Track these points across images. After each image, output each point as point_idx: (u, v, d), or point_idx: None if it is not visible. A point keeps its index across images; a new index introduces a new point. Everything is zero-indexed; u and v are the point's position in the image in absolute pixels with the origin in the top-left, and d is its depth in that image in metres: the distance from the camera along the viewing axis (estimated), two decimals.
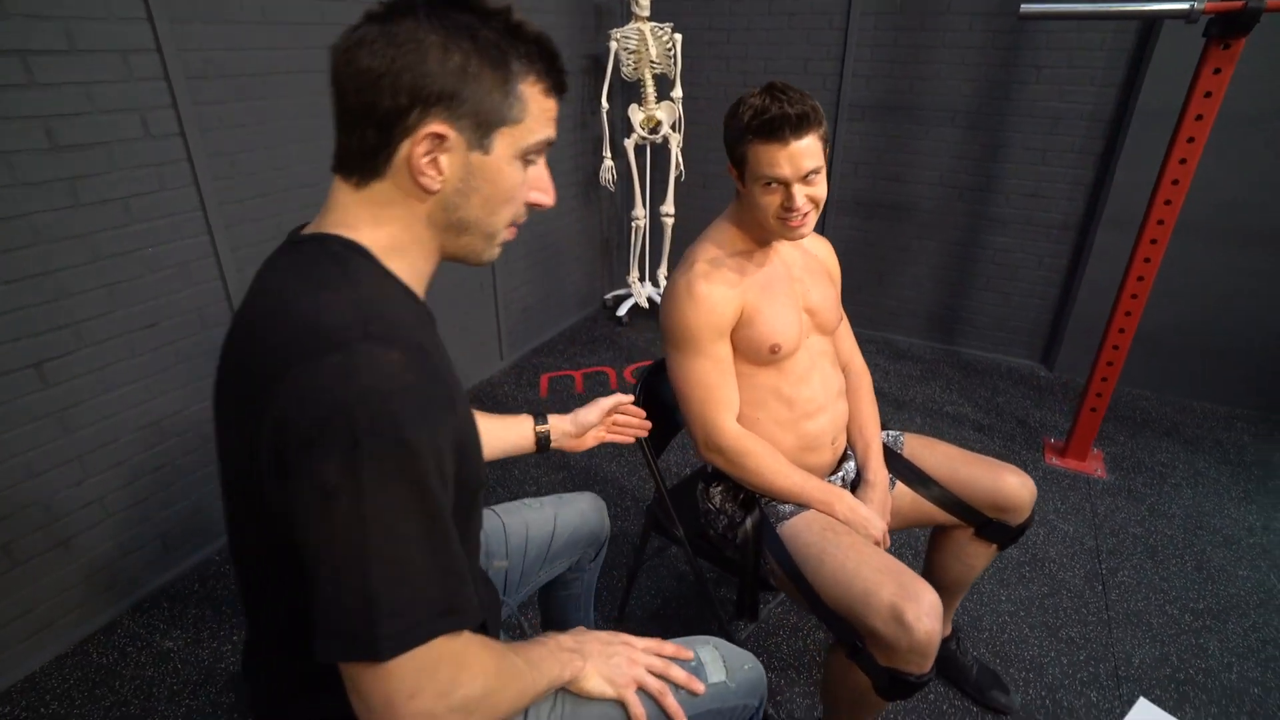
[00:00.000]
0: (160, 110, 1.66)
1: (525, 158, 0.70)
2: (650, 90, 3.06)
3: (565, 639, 0.86)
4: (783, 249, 1.32)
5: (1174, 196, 1.99)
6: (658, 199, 3.40)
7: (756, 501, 1.31)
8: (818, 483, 1.27)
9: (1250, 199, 2.47)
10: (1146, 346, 2.69)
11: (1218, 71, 1.84)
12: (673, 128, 3.14)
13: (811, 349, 1.32)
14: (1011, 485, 1.34)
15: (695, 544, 1.45)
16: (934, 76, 2.86)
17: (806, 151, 1.11)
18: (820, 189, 1.16)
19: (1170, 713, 1.50)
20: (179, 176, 1.74)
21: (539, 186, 0.74)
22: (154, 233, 1.71)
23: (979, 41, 2.74)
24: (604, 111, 3.12)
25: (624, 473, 2.34)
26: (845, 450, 1.42)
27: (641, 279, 3.53)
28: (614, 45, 2.99)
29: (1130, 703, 1.53)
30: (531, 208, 0.75)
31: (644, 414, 1.26)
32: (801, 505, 1.26)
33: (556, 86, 0.69)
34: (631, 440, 1.27)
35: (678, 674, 0.88)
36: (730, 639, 1.50)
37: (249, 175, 1.90)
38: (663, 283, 3.46)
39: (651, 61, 2.99)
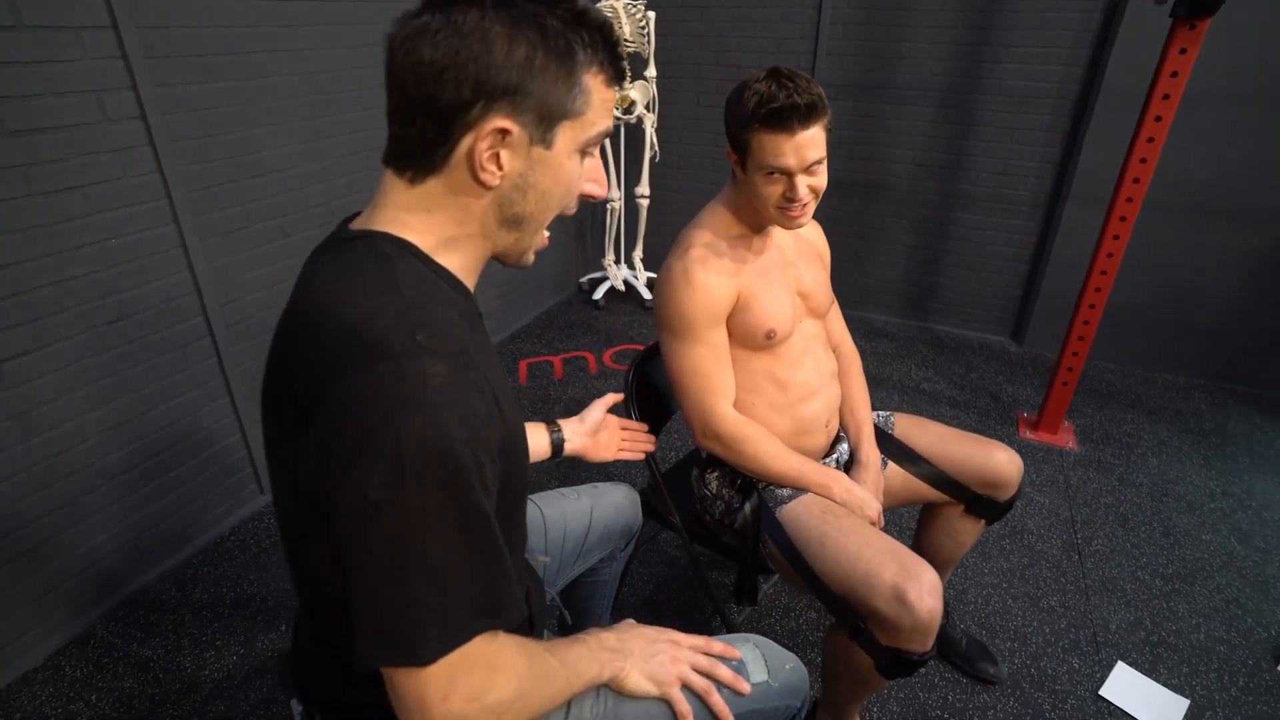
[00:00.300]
0: (118, 92, 1.57)
1: (584, 150, 0.69)
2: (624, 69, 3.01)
3: (608, 637, 0.84)
4: (776, 233, 1.31)
5: (1142, 175, 2.04)
6: (632, 180, 3.36)
7: (754, 486, 1.32)
8: (815, 466, 1.28)
9: (1209, 177, 2.55)
10: (1111, 321, 2.77)
11: (1184, 51, 1.88)
12: (647, 108, 3.10)
13: (804, 333, 1.32)
14: (1001, 461, 1.37)
15: (690, 529, 1.45)
16: (907, 55, 2.88)
17: (812, 142, 1.10)
18: (822, 179, 1.15)
19: (1146, 674, 1.58)
20: (141, 162, 1.65)
21: (592, 177, 0.72)
22: (116, 223, 1.62)
23: (950, 20, 2.76)
24: None
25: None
26: (838, 433, 1.43)
27: (617, 262, 3.50)
28: None
29: (1109, 667, 1.59)
30: (584, 199, 0.73)
31: (647, 427, 1.29)
32: (799, 489, 1.27)
33: (617, 76, 0.67)
34: (642, 457, 1.30)
35: (724, 673, 0.87)
36: (726, 622, 1.53)
37: (217, 161, 1.81)
38: (639, 265, 3.44)
39: (625, 40, 2.94)
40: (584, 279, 3.73)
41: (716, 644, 0.91)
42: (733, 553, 1.39)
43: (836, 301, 1.48)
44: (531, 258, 0.74)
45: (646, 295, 3.54)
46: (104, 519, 1.72)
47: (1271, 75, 2.37)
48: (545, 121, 0.63)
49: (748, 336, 1.26)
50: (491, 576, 0.63)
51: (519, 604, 0.66)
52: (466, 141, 0.62)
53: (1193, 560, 1.91)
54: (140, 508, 1.80)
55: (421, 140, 0.62)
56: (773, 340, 1.26)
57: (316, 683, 0.81)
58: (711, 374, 1.25)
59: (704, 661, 0.87)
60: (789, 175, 1.12)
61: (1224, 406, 2.67)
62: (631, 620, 0.90)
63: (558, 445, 1.18)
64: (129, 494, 1.77)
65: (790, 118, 1.07)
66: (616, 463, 2.30)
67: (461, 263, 0.70)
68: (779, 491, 1.28)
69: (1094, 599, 1.78)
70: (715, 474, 1.38)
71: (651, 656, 0.84)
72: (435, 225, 0.66)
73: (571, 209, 0.73)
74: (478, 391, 0.62)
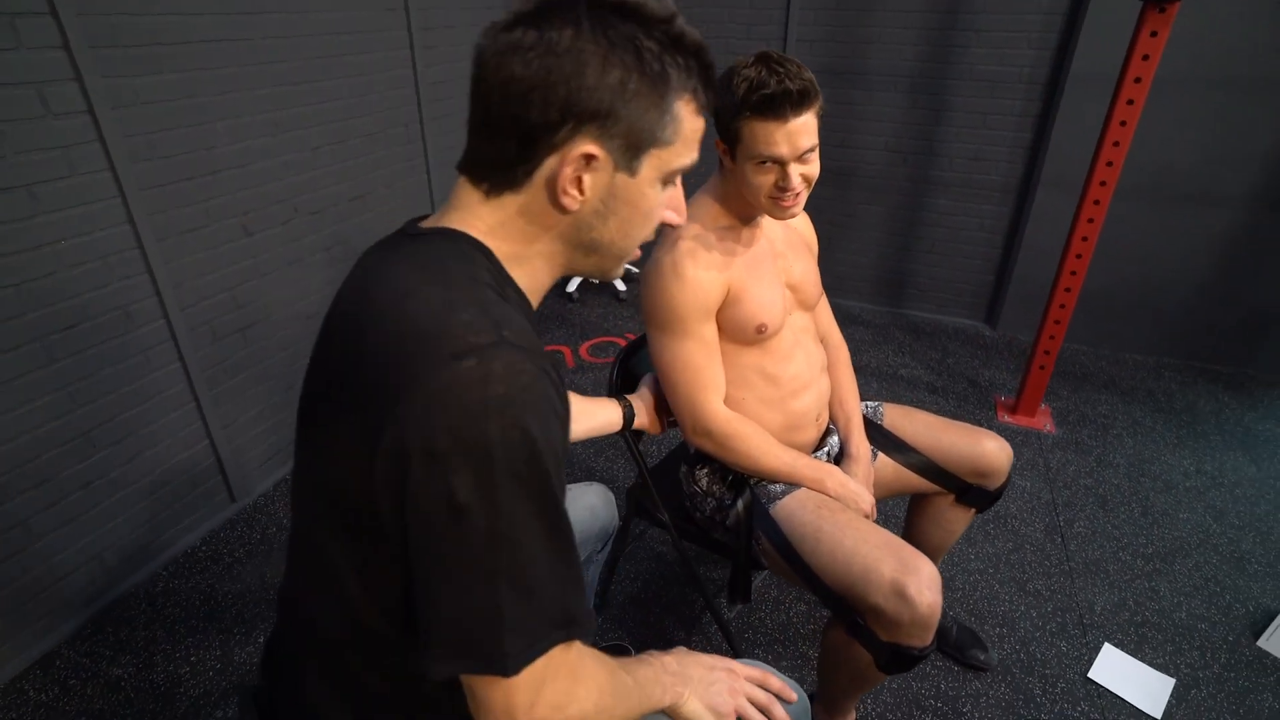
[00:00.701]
0: (61, 84, 1.48)
1: (667, 180, 0.66)
2: None
3: (669, 660, 0.81)
4: (766, 224, 1.28)
5: (1115, 158, 2.05)
6: None
7: (746, 483, 1.29)
8: (808, 460, 1.26)
9: (1175, 160, 2.59)
10: (1082, 303, 2.81)
11: (1154, 34, 1.89)
12: None
13: (794, 326, 1.30)
14: (991, 450, 1.36)
15: (679, 526, 1.42)
16: (877, 40, 2.87)
17: (805, 129, 1.07)
18: (814, 167, 1.12)
19: (1132, 655, 1.60)
20: (91, 159, 1.56)
21: (674, 205, 0.70)
22: (67, 223, 1.53)
23: (920, 4, 2.75)
24: None
25: (592, 454, 2.30)
26: (828, 425, 1.41)
27: None
28: None
29: (1097, 649, 1.61)
30: (662, 226, 0.71)
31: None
32: (792, 484, 1.25)
33: (709, 105, 0.65)
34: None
35: (779, 714, 0.84)
36: (717, 619, 1.51)
37: (173, 157, 1.72)
38: None
39: None
40: None
41: (774, 679, 0.87)
42: (724, 550, 1.37)
43: (824, 293, 1.45)
44: (620, 272, 0.73)
45: (621, 287, 3.49)
46: (65, 535, 1.64)
47: (1243, 58, 2.40)
48: (633, 149, 0.61)
49: (738, 331, 1.23)
50: (570, 583, 0.61)
51: (591, 614, 0.63)
52: (550, 163, 0.60)
53: (1171, 539, 1.94)
54: (104, 521, 1.72)
55: (503, 156, 0.61)
56: (763, 334, 1.23)
57: (302, 714, 0.76)
58: (702, 369, 1.22)
59: (761, 696, 0.84)
60: (782, 164, 1.09)
61: (1193, 385, 2.72)
62: (684, 648, 0.87)
63: (629, 419, 1.25)
64: (90, 509, 1.68)
65: (783, 105, 1.04)
66: (600, 460, 2.26)
67: (530, 279, 0.68)
68: (771, 487, 1.26)
69: (1078, 581, 1.80)
70: (705, 470, 1.35)
71: (710, 685, 0.81)
72: (508, 238, 0.65)
73: (650, 236, 0.71)
74: (556, 391, 0.59)
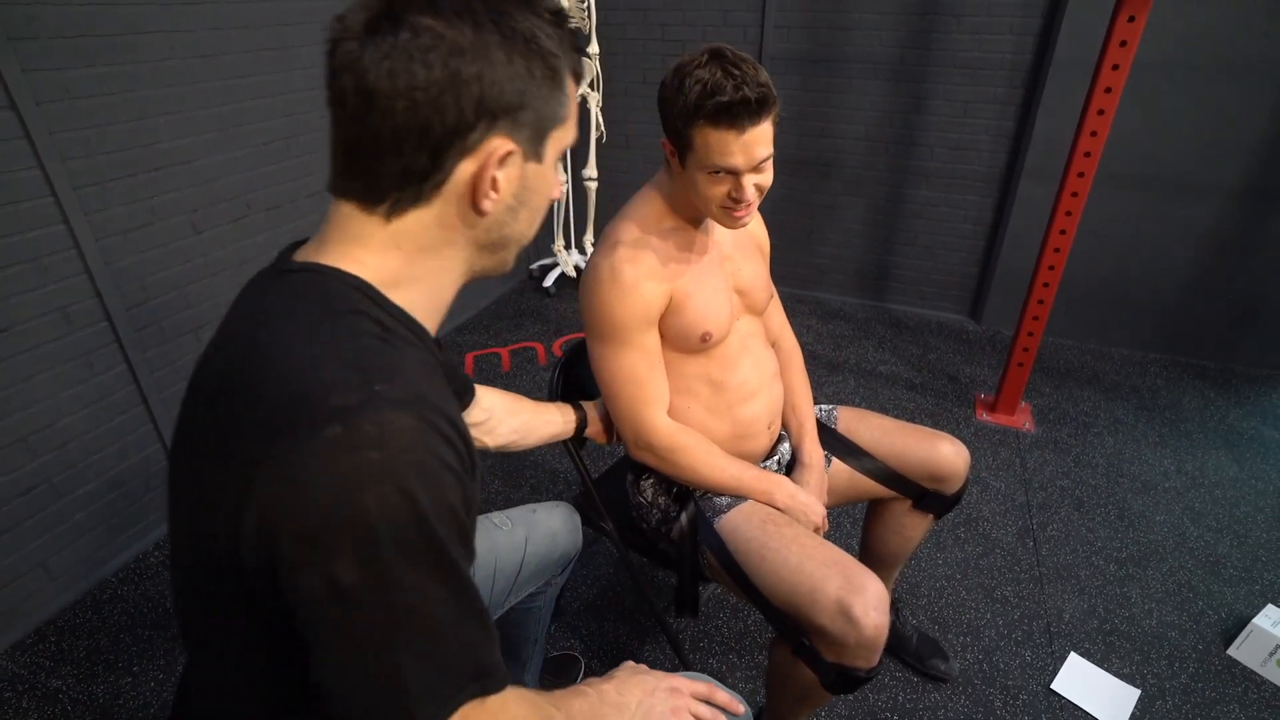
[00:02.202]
0: None
1: (561, 156, 0.64)
2: None
3: (608, 689, 0.76)
4: (712, 226, 1.22)
5: (1093, 148, 1.98)
6: (579, 163, 3.24)
7: (690, 495, 1.24)
8: (756, 472, 1.21)
9: (1157, 149, 2.52)
10: (1066, 296, 2.74)
11: (1132, 19, 1.81)
12: (591, 86, 2.98)
13: (741, 331, 1.24)
14: (946, 454, 1.31)
15: (626, 536, 1.38)
16: (855, 26, 2.79)
17: (762, 138, 0.99)
18: (768, 175, 1.05)
19: (1098, 664, 1.55)
20: (17, 157, 1.50)
21: (559, 180, 0.68)
22: None
23: None
24: None
25: (548, 455, 2.25)
26: (780, 432, 1.36)
27: (567, 247, 3.39)
28: None
29: (1062, 659, 1.56)
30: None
31: None
32: (739, 497, 1.20)
33: (583, 69, 0.60)
34: None
35: None
36: (666, 631, 1.46)
37: (110, 154, 1.66)
38: (589, 250, 3.34)
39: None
40: (534, 265, 3.61)
41: (721, 693, 0.83)
42: (670, 562, 1.32)
43: (776, 294, 1.39)
44: (512, 264, 0.68)
45: None
46: (4, 543, 1.59)
47: (1230, 44, 2.32)
48: (539, 136, 0.59)
49: (681, 339, 1.17)
50: (479, 640, 0.56)
51: (501, 666, 0.59)
52: (464, 168, 0.56)
53: (1146, 543, 1.89)
54: (46, 530, 1.68)
55: (409, 171, 0.55)
56: (708, 342, 1.17)
57: None
58: (644, 382, 1.16)
59: (705, 712, 0.79)
60: (736, 175, 1.02)
61: (1179, 381, 2.66)
62: (631, 663, 0.82)
63: (581, 426, 1.24)
64: (29, 516, 1.64)
65: (740, 114, 0.96)
66: (554, 476, 2.20)
67: (426, 304, 0.62)
68: (717, 500, 1.21)
69: (1048, 588, 1.75)
70: (650, 480, 1.30)
71: (650, 709, 0.77)
72: (402, 261, 0.59)
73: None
74: (446, 443, 0.53)
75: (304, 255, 0.61)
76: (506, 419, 1.14)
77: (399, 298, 0.60)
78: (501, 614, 1.20)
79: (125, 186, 1.71)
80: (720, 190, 1.04)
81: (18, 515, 1.62)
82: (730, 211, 1.06)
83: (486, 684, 0.56)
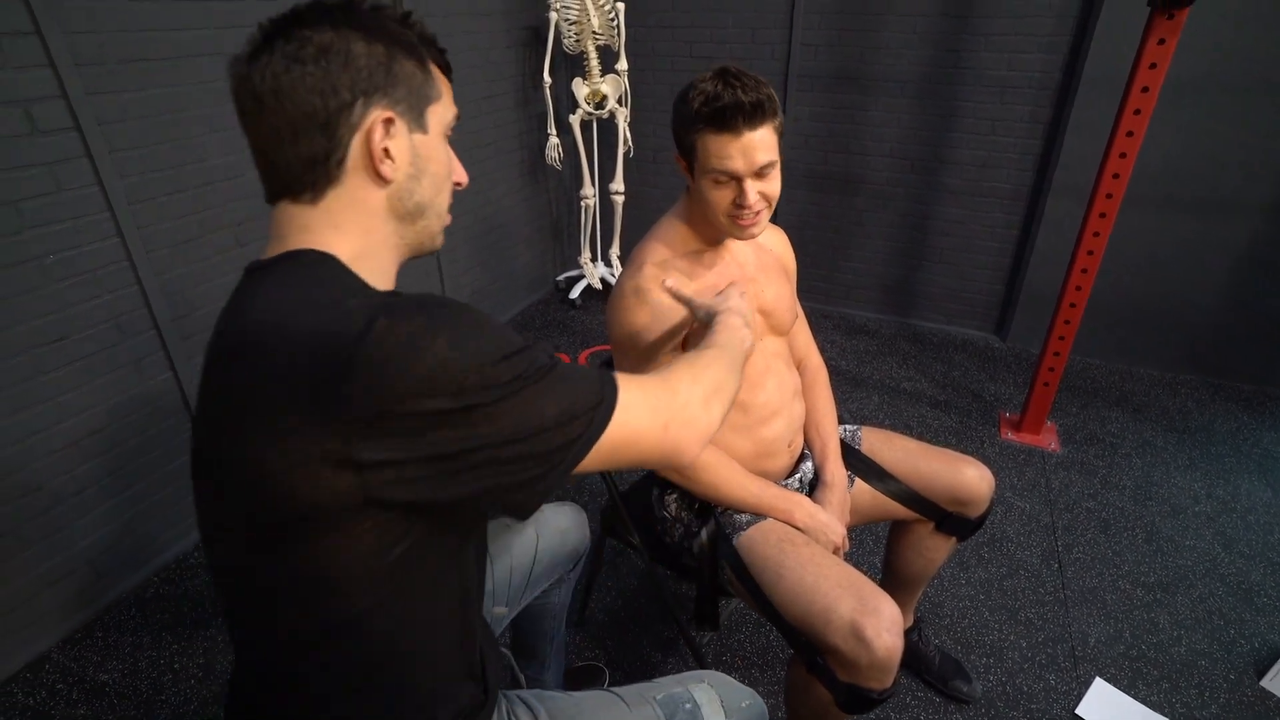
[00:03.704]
0: (47, 101, 1.50)
1: (447, 135, 0.74)
2: (594, 63, 2.93)
3: (729, 319, 0.94)
4: (735, 247, 1.25)
5: (1121, 170, 1.98)
6: (607, 176, 3.29)
7: (711, 511, 1.27)
8: (776, 490, 1.23)
9: (1190, 167, 2.49)
10: (1094, 315, 2.72)
11: (1162, 42, 1.81)
12: (619, 102, 3.03)
13: (765, 351, 1.27)
14: (970, 478, 1.32)
15: (652, 549, 1.40)
16: (883, 45, 2.80)
17: (760, 144, 1.04)
18: (774, 184, 1.09)
19: (1125, 690, 1.54)
20: (78, 175, 1.58)
21: (457, 166, 0.76)
22: (55, 238, 1.56)
23: (926, 8, 2.68)
24: (546, 87, 2.98)
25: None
26: (802, 450, 1.38)
27: (594, 259, 3.44)
28: (554, 16, 2.85)
29: (1087, 683, 1.55)
30: (456, 188, 0.77)
31: None
32: (759, 514, 1.22)
33: (448, 67, 0.74)
34: None
35: None
36: (693, 648, 1.48)
37: (161, 171, 1.74)
38: (616, 263, 3.38)
39: (594, 33, 2.86)
40: (560, 277, 3.66)
41: None
42: (693, 576, 1.34)
43: (802, 314, 1.42)
44: (441, 239, 0.77)
45: None
46: (55, 543, 1.67)
47: (1256, 62, 2.30)
48: (416, 108, 0.68)
49: None
50: (574, 373, 0.66)
51: (610, 378, 0.70)
52: (357, 142, 0.65)
53: (1175, 568, 1.87)
54: (95, 529, 1.75)
55: (312, 154, 0.64)
56: None
57: None
58: None
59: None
60: (738, 180, 1.06)
61: (1211, 404, 2.62)
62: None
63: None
64: (80, 517, 1.71)
65: (735, 117, 1.01)
66: (579, 488, 2.22)
67: (378, 275, 0.70)
68: (737, 517, 1.23)
69: (1073, 610, 1.74)
70: (673, 495, 1.33)
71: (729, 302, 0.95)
72: (346, 238, 0.67)
73: (450, 200, 0.76)
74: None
75: (265, 254, 0.68)
76: None
77: (360, 272, 0.67)
78: (520, 610, 1.25)
79: (175, 202, 1.79)
80: (725, 196, 1.08)
81: (70, 516, 1.69)
82: (736, 219, 1.10)
83: (611, 403, 0.66)
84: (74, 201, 1.58)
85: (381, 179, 0.67)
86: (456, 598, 0.74)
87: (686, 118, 1.06)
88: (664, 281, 1.07)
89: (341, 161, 0.65)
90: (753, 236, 1.14)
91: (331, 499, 0.57)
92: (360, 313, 0.57)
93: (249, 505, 0.61)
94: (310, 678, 0.68)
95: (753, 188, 1.07)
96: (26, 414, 1.57)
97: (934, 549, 1.41)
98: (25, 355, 1.55)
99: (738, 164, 1.05)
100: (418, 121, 0.69)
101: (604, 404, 0.65)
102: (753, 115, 1.02)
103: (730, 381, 0.82)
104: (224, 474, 0.62)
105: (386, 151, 0.66)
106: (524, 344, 0.62)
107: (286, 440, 0.56)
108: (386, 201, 0.68)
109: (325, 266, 0.65)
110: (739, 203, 1.08)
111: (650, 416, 0.70)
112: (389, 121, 0.66)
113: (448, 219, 0.76)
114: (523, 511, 0.64)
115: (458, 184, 0.76)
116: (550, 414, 0.61)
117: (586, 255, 3.37)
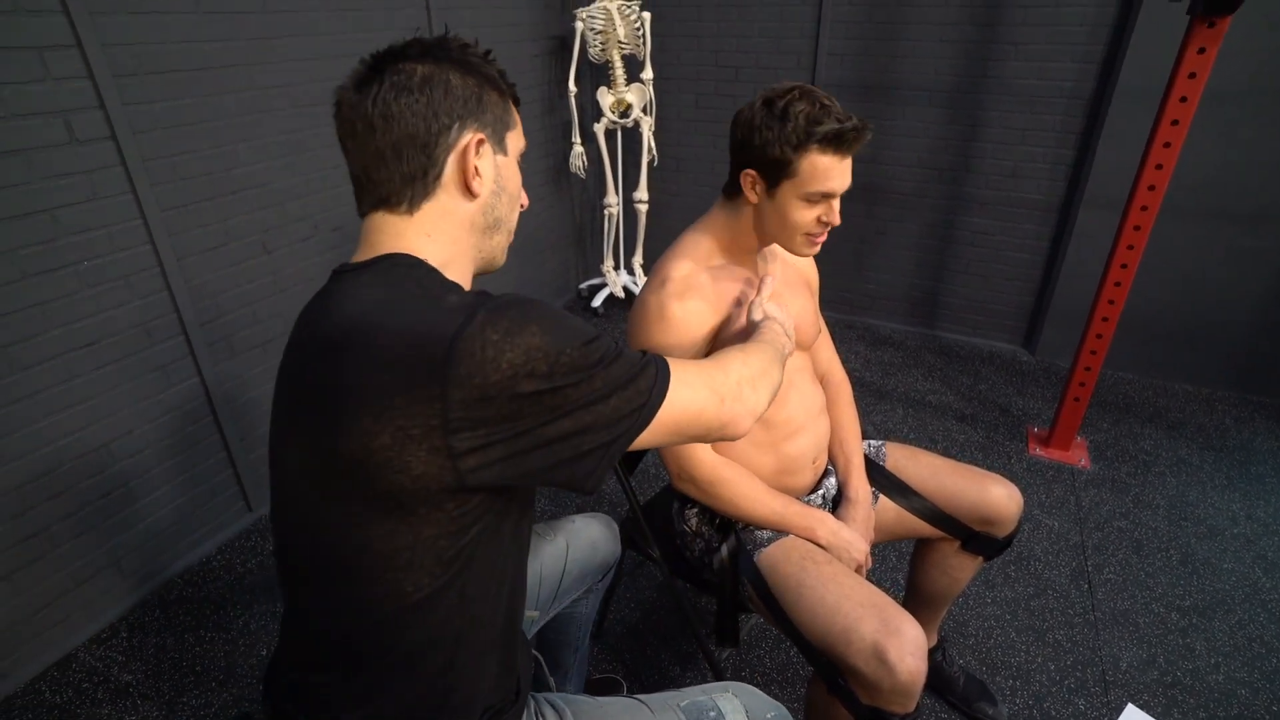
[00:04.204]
0: (86, 112, 1.54)
1: (519, 160, 0.82)
2: (619, 72, 2.94)
3: (771, 324, 1.03)
4: (759, 261, 1.24)
5: (1158, 181, 1.93)
6: (631, 185, 3.29)
7: (732, 527, 1.25)
8: (798, 508, 1.21)
9: (1228, 177, 2.43)
10: (1127, 328, 2.65)
11: (1202, 51, 1.77)
12: (644, 111, 3.03)
13: (788, 366, 1.24)
14: (998, 497, 1.29)
15: (672, 563, 1.39)
16: (910, 54, 2.77)
17: (850, 166, 1.08)
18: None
19: (1159, 719, 1.48)
20: (113, 183, 1.61)
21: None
22: (89, 245, 1.59)
23: (955, 17, 2.65)
24: (572, 96, 2.99)
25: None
26: (826, 466, 1.36)
27: (617, 268, 3.44)
28: (580, 25, 2.86)
29: (1118, 709, 1.51)
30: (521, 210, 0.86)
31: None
32: (781, 531, 1.20)
33: (518, 100, 0.81)
34: None
35: None
36: (711, 662, 1.46)
37: (192, 179, 1.78)
38: (639, 271, 3.38)
39: (620, 42, 2.87)
40: (583, 285, 3.66)
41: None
42: (714, 591, 1.32)
43: (826, 329, 1.40)
44: (504, 258, 0.84)
45: None
46: (83, 544, 1.70)
47: None
48: (499, 133, 0.77)
49: None
50: (635, 359, 0.73)
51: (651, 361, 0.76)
52: (452, 160, 0.73)
53: (1212, 591, 1.81)
54: (121, 531, 1.78)
55: (411, 171, 0.72)
56: None
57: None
58: None
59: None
60: (829, 199, 1.08)
61: (1250, 421, 2.54)
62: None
63: None
64: (108, 519, 1.74)
65: (848, 140, 1.04)
66: (600, 499, 2.22)
67: (461, 280, 0.76)
68: (758, 533, 1.22)
69: (1104, 633, 1.69)
70: (694, 510, 1.31)
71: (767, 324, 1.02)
72: (435, 246, 0.74)
73: (517, 218, 0.84)
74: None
75: (356, 258, 0.74)
76: None
77: (447, 274, 0.74)
78: (548, 619, 1.24)
79: (205, 209, 1.82)
80: (811, 216, 1.09)
81: (96, 517, 1.72)
82: (814, 239, 1.13)
83: (649, 360, 0.74)
84: (108, 209, 1.61)
85: (470, 193, 0.75)
86: (506, 589, 0.78)
87: (791, 135, 1.03)
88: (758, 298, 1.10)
89: (438, 177, 0.73)
90: (815, 253, 1.17)
91: (426, 479, 0.62)
92: (460, 308, 0.64)
93: (346, 483, 0.65)
94: (365, 659, 0.72)
95: (836, 206, 1.09)
96: (59, 416, 1.60)
97: (959, 568, 1.38)
98: (58, 359, 1.58)
99: (840, 184, 1.07)
100: (500, 145, 0.77)
101: (660, 379, 0.72)
102: (858, 138, 1.04)
103: (775, 371, 0.90)
104: (323, 454, 0.66)
105: (476, 169, 0.74)
106: (597, 332, 0.70)
107: (392, 421, 0.61)
108: (471, 215, 0.76)
109: (421, 268, 0.71)
110: (825, 220, 1.10)
111: (708, 392, 0.78)
112: (480, 142, 0.74)
113: (511, 238, 0.83)
114: (589, 483, 0.69)
115: (522, 206, 0.83)
116: (620, 390, 0.68)
117: (609, 264, 3.37)
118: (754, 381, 0.84)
